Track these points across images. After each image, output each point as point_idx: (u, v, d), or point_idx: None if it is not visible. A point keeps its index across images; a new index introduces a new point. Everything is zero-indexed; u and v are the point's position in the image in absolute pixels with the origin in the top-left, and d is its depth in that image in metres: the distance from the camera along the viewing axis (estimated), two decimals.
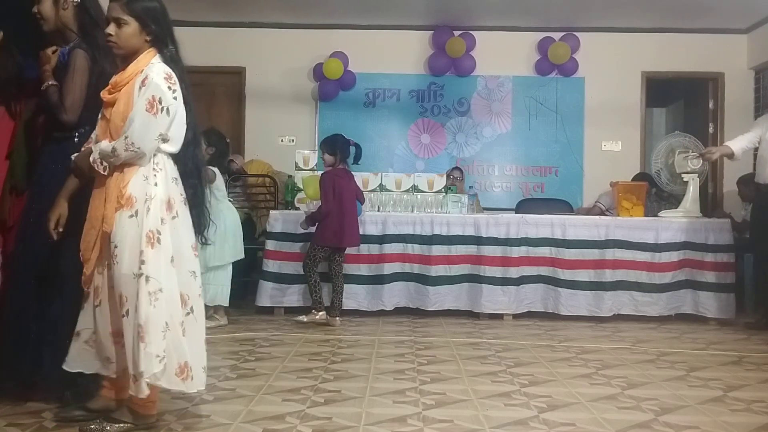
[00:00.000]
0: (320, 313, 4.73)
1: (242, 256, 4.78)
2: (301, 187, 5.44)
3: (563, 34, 7.15)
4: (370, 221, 5.18)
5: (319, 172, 5.30)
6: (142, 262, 2.26)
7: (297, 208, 5.35)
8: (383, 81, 7.30)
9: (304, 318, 4.71)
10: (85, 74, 2.68)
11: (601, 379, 3.33)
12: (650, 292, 5.14)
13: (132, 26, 2.38)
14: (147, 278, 2.26)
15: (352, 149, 4.82)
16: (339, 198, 4.65)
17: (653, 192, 5.86)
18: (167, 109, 2.34)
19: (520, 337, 4.44)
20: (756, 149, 5.05)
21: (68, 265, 2.55)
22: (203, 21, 7.07)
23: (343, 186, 4.69)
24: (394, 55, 7.25)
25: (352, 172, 4.98)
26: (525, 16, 6.94)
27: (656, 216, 5.36)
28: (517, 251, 5.16)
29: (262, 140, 7.04)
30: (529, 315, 5.18)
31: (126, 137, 2.28)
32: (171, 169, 2.42)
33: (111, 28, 2.38)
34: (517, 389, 3.08)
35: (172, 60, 2.44)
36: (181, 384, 2.32)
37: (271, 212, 5.29)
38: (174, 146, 2.42)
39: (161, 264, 2.31)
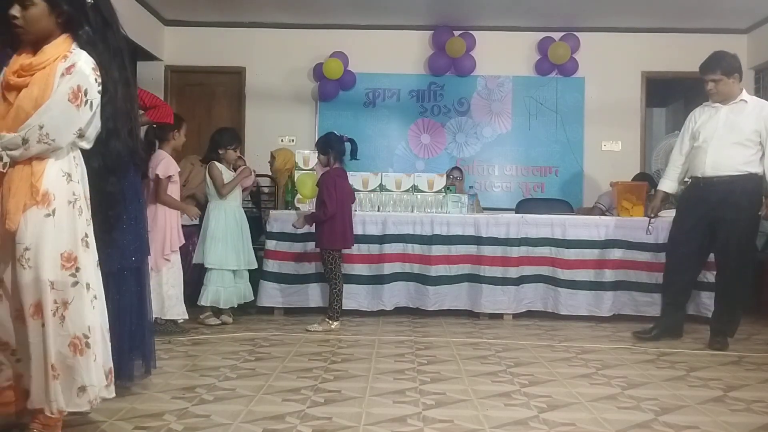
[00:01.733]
0: (335, 323, 4.54)
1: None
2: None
3: (563, 34, 7.15)
4: (370, 221, 5.17)
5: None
6: (78, 269, 2.08)
7: (297, 209, 5.35)
8: (383, 81, 7.30)
9: (318, 327, 4.49)
10: None
11: (601, 379, 3.33)
12: (650, 292, 5.11)
13: (39, 7, 2.09)
14: (88, 285, 2.10)
15: (348, 146, 4.67)
16: (341, 198, 4.58)
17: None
18: (91, 103, 2.11)
19: (520, 337, 4.44)
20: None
21: None
22: (203, 21, 7.06)
23: (343, 186, 4.64)
24: (394, 55, 7.26)
25: (353, 170, 4.96)
26: (525, 16, 6.94)
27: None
28: (517, 251, 5.16)
29: (262, 140, 7.03)
30: (529, 315, 5.18)
31: (41, 127, 2.02)
32: (84, 166, 2.21)
33: (15, 10, 2.08)
34: (517, 389, 3.08)
35: (88, 43, 2.16)
36: (104, 391, 2.16)
37: (271, 212, 5.29)
38: (88, 143, 2.19)
39: (92, 269, 2.15)
